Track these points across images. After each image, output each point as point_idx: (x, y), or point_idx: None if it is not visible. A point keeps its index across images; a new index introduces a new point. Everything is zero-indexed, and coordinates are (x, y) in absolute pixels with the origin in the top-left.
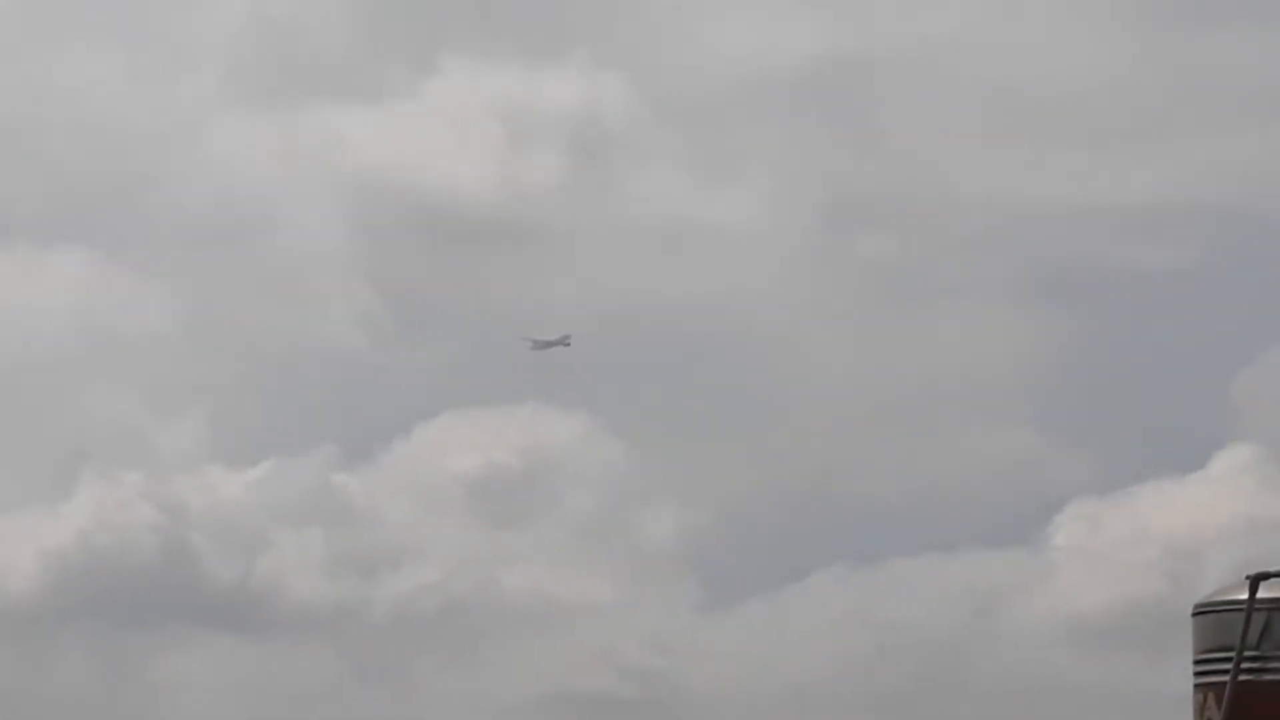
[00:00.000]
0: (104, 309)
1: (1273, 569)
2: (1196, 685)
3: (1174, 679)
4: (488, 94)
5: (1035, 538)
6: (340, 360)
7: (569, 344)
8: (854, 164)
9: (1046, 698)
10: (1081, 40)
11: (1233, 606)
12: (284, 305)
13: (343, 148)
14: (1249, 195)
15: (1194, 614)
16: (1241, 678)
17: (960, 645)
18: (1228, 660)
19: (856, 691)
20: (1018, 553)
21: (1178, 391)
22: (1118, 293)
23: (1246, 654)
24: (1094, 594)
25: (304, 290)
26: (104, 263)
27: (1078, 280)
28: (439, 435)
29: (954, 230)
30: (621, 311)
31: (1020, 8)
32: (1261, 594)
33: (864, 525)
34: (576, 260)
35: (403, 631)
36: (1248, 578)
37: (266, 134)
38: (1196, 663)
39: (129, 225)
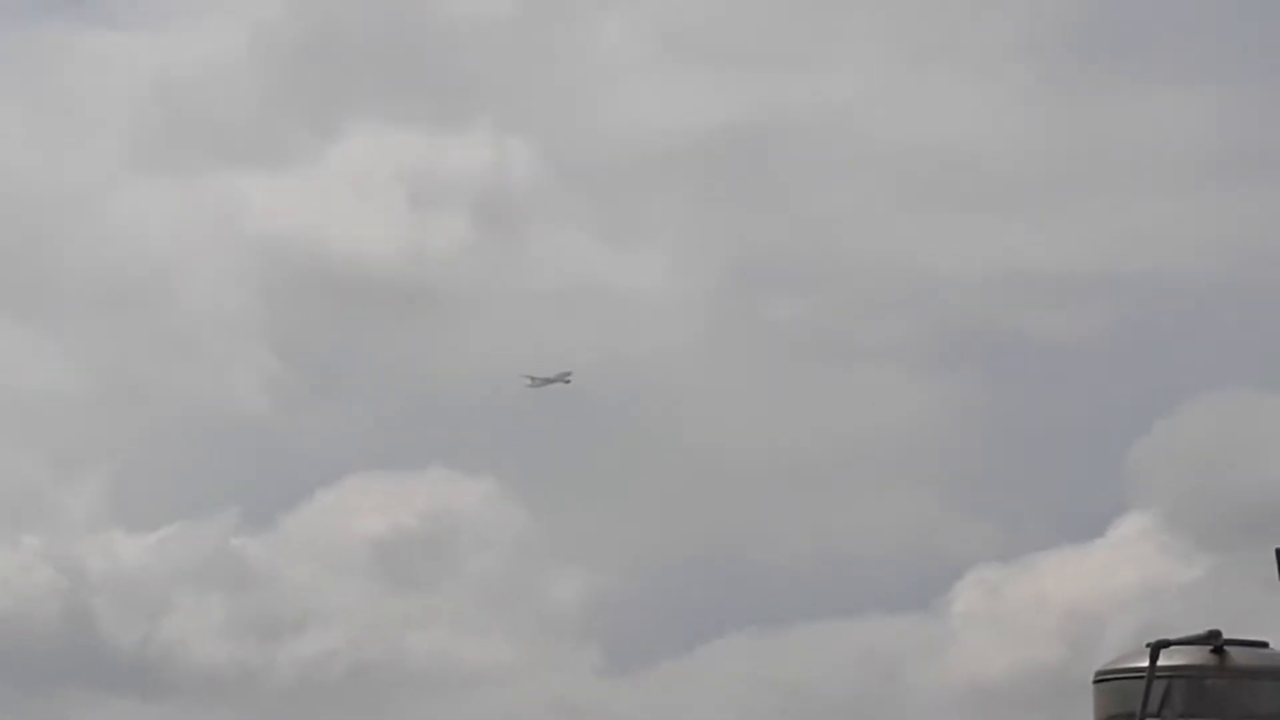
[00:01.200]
0: (5, 370)
1: (1173, 636)
2: None
3: None
4: (393, 158)
5: (937, 603)
6: (244, 423)
7: (569, 380)
8: (761, 228)
9: None
10: (988, 107)
11: (1134, 674)
12: (187, 368)
13: (247, 212)
14: (1151, 264)
15: (1095, 681)
16: None
17: (863, 709)
18: None
19: None
20: (920, 618)
21: (1078, 459)
22: (1022, 359)
23: None
24: (995, 660)
25: (207, 353)
26: (6, 323)
27: (982, 346)
28: (343, 499)
29: (860, 295)
30: (527, 375)
31: (927, 75)
32: (1162, 661)
33: (769, 589)
34: (483, 324)
35: (307, 695)
36: (1148, 645)
37: (170, 197)
38: None
39: (31, 286)
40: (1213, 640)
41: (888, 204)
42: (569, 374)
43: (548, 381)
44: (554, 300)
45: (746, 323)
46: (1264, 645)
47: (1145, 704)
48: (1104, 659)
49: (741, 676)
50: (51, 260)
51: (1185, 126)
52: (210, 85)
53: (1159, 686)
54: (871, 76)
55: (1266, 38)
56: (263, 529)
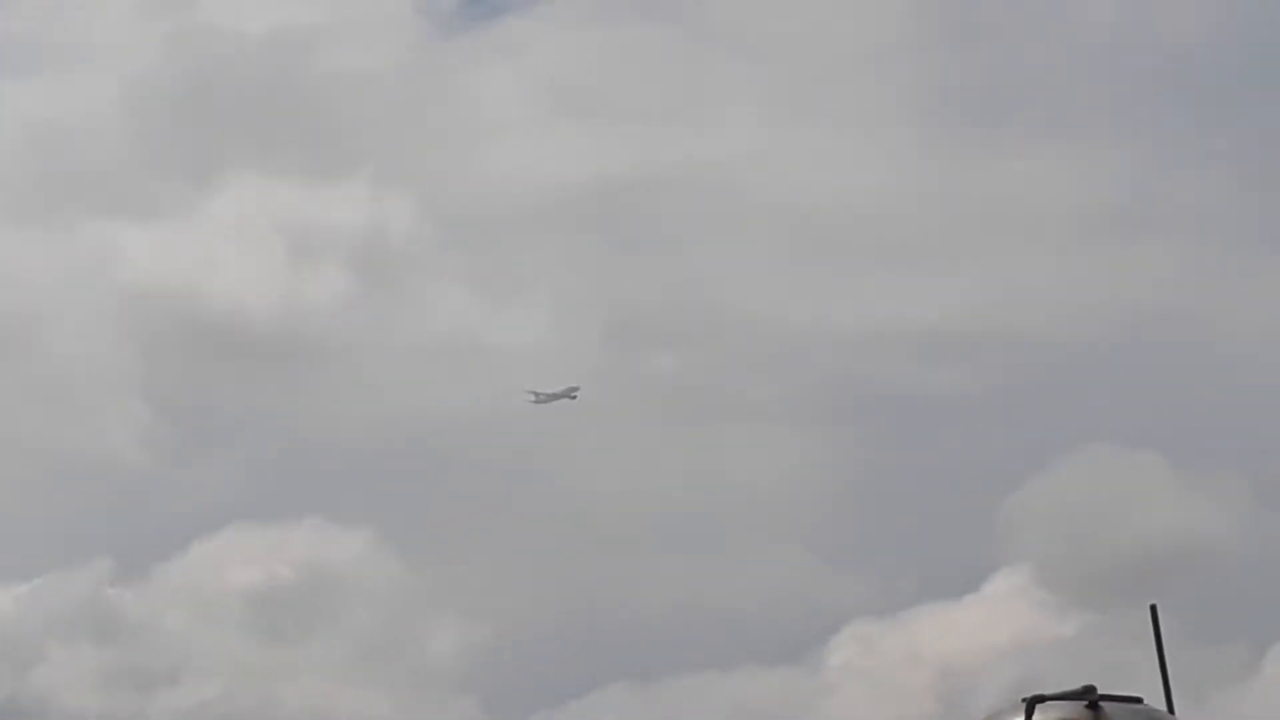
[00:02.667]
0: None
1: (1047, 692)
2: None
3: None
4: (271, 210)
5: (812, 657)
6: (118, 474)
7: (575, 396)
8: (639, 283)
9: None
10: (871, 166)
11: None
12: (61, 419)
13: (122, 262)
14: (1024, 322)
15: None
16: None
17: None
18: None
19: None
20: (795, 672)
21: (952, 515)
22: (897, 416)
23: None
24: (870, 714)
25: (81, 404)
26: None
27: (858, 403)
28: (218, 549)
29: (737, 350)
30: (405, 427)
31: (804, 134)
32: (1037, 717)
33: (645, 642)
34: (360, 376)
35: None
36: (1023, 700)
37: (43, 247)
38: None
39: None
40: (1087, 696)
41: (765, 261)
42: (576, 389)
43: (553, 397)
44: (432, 353)
45: (623, 377)
46: (1138, 701)
47: None
48: (978, 714)
49: None
50: None
51: (1059, 188)
52: (84, 136)
53: None
54: (750, 135)
55: (1139, 102)
56: (136, 580)
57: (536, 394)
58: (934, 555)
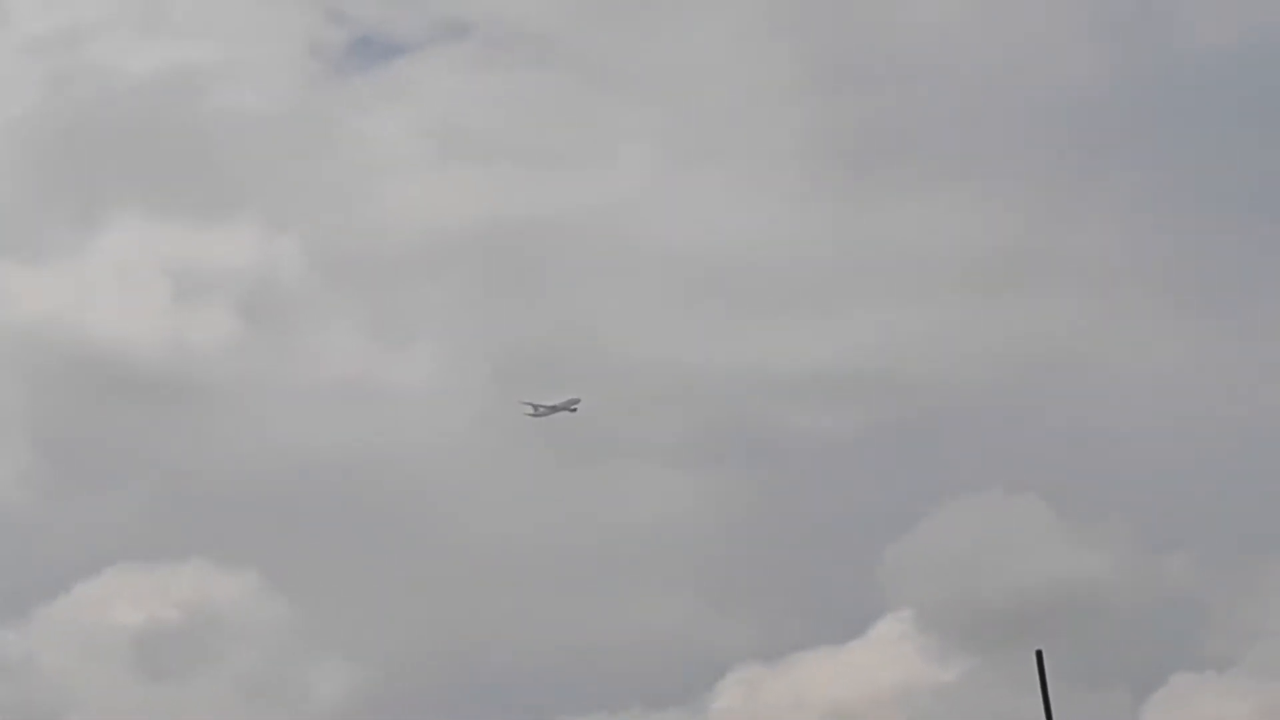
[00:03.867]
0: None
1: None
2: None
3: None
4: (157, 250)
5: (697, 701)
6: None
7: (575, 409)
8: (529, 325)
9: None
10: (763, 210)
11: None
12: None
13: (5, 302)
14: (912, 366)
15: None
16: None
17: None
18: None
19: None
20: (681, 715)
21: (839, 559)
22: (784, 458)
23: None
24: None
25: None
26: None
27: (746, 445)
28: (101, 590)
29: (628, 392)
30: (293, 468)
31: (696, 177)
32: None
33: (531, 685)
34: (247, 417)
35: None
36: None
37: None
38: None
39: None
40: None
41: (656, 303)
42: (577, 400)
43: (553, 409)
44: (320, 395)
45: (513, 419)
46: None
47: None
48: None
49: None
50: None
51: (949, 234)
52: None
53: None
54: (642, 178)
55: (1029, 150)
56: (18, 620)
57: (535, 406)
58: (820, 599)
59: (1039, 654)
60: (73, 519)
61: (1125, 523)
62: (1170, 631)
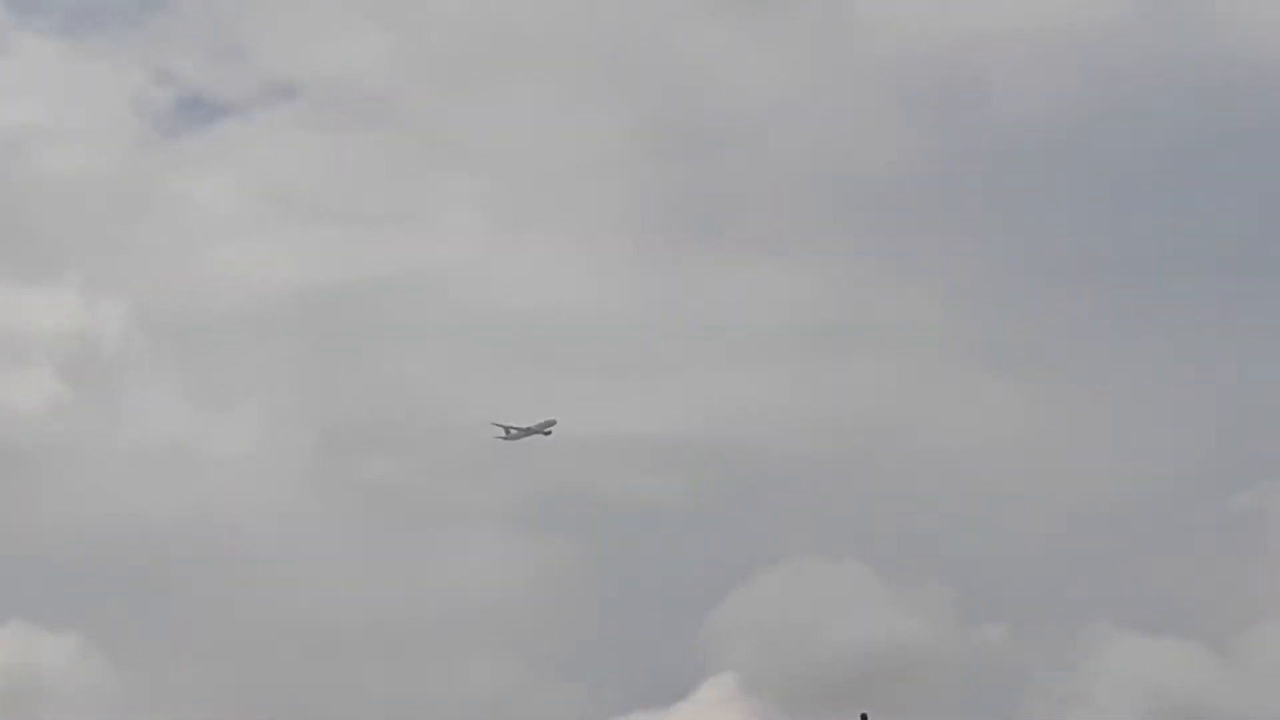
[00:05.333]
0: None
1: None
2: None
3: None
4: None
5: None
6: None
7: (550, 432)
8: (356, 388)
9: None
10: (590, 275)
11: None
12: None
13: None
14: (740, 432)
15: None
16: None
17: None
18: None
19: None
20: None
21: (665, 622)
22: (614, 523)
23: None
24: None
25: None
26: None
27: (574, 510)
28: None
29: (455, 457)
30: (115, 533)
31: (532, 241)
32: None
33: None
34: (69, 482)
35: None
36: None
37: None
38: None
39: None
40: None
41: (483, 368)
42: (552, 423)
43: (527, 432)
44: (143, 458)
45: (338, 484)
46: None
47: None
48: None
49: None
50: None
51: (774, 301)
52: None
53: None
54: (471, 241)
55: (849, 220)
56: None
57: (507, 429)
58: (645, 663)
59: (863, 717)
60: None
61: (946, 590)
62: (988, 697)
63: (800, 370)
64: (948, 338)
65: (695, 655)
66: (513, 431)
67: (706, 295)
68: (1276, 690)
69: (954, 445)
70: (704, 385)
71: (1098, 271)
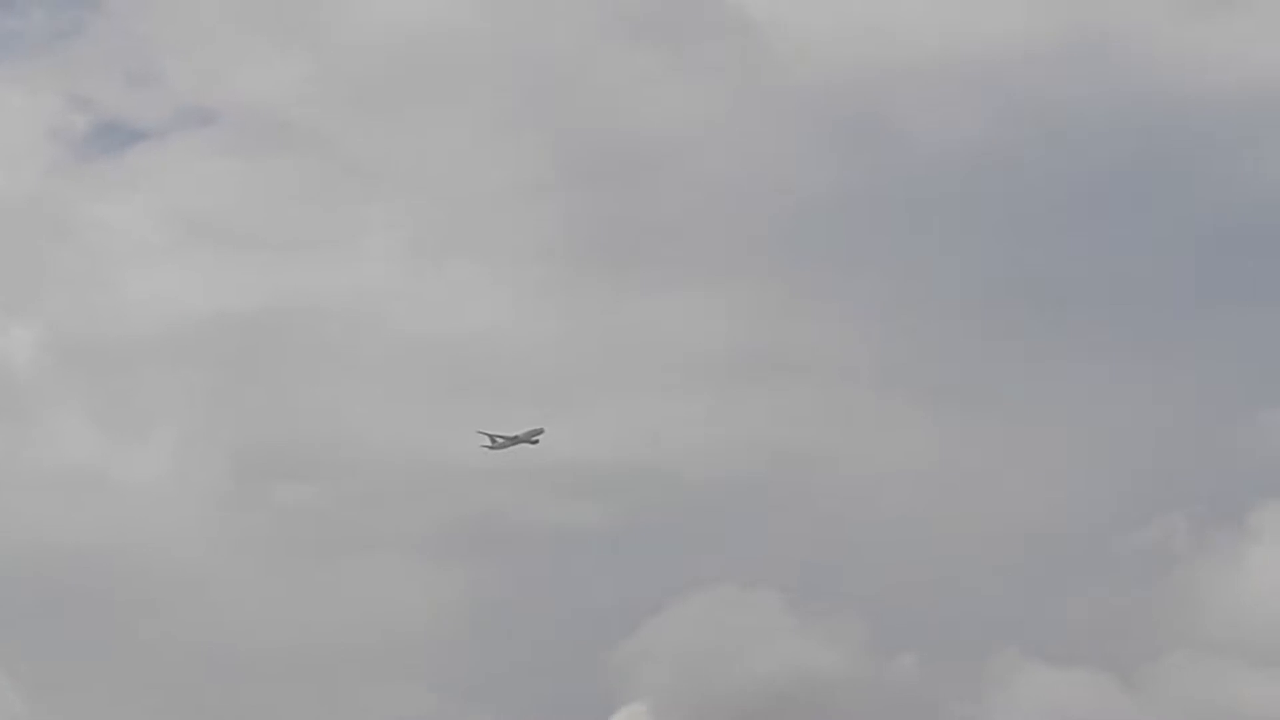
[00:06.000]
0: None
1: None
2: None
3: None
4: None
5: None
6: None
7: (537, 441)
8: (271, 414)
9: None
10: (512, 301)
11: None
12: None
13: None
14: (658, 459)
15: None
16: None
17: None
18: None
19: None
20: None
21: (578, 649)
22: (530, 550)
23: None
24: None
25: None
26: None
27: (493, 537)
28: None
29: (371, 483)
30: (25, 561)
31: (451, 268)
32: None
33: None
34: None
35: None
36: None
37: None
38: None
39: None
40: None
41: (401, 394)
42: (539, 431)
43: (514, 441)
44: (53, 485)
45: (252, 510)
46: None
47: None
48: None
49: None
50: None
51: (699, 327)
52: None
53: None
54: (389, 268)
55: (777, 246)
56: None
57: (494, 438)
58: (557, 690)
59: None
60: None
61: (858, 619)
62: None
63: (718, 398)
64: (865, 366)
65: (607, 683)
66: (499, 440)
67: (626, 322)
68: None
69: (869, 474)
70: (621, 413)
71: (1012, 302)
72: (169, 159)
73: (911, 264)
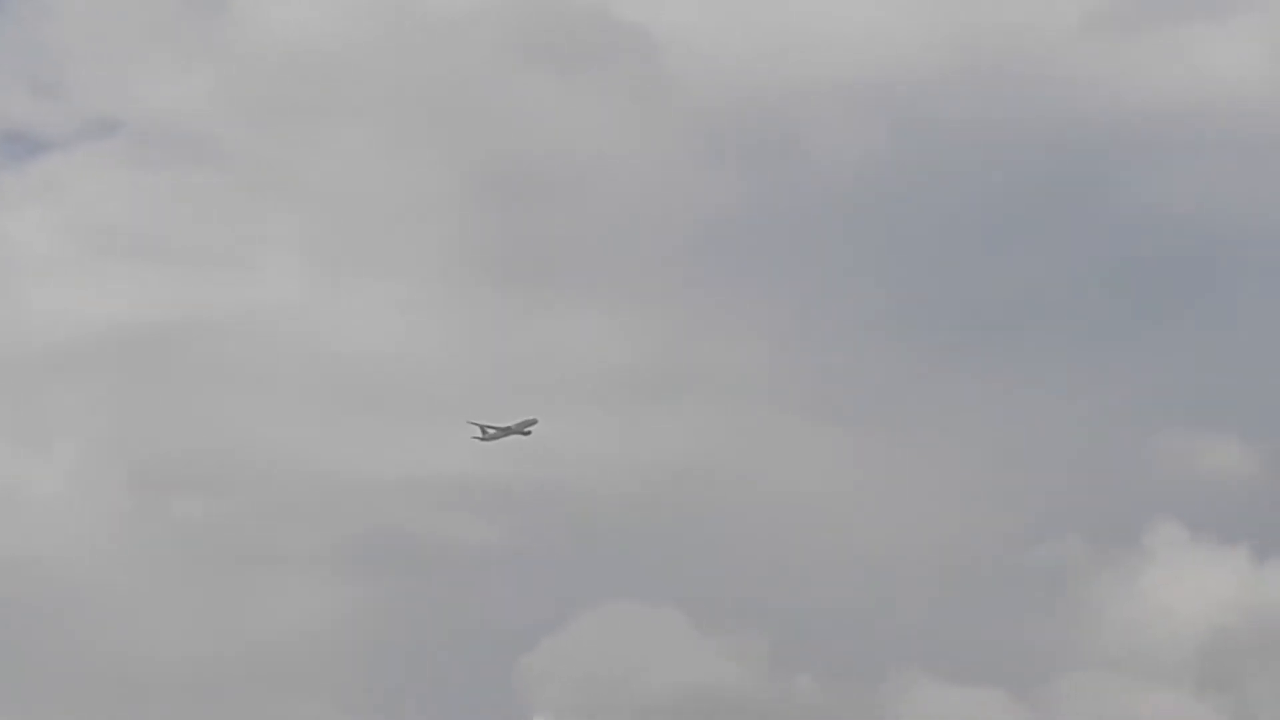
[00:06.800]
0: None
1: None
2: None
3: None
4: None
5: None
6: None
7: (530, 432)
8: (174, 428)
9: None
10: (415, 318)
11: None
12: None
13: None
14: (563, 476)
15: None
16: None
17: None
18: None
19: None
20: None
21: (482, 665)
22: (432, 566)
23: None
24: None
25: None
26: None
27: (394, 553)
28: None
29: (272, 498)
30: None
31: (356, 284)
32: None
33: None
34: None
35: None
36: None
37: None
38: None
39: None
40: None
41: (303, 408)
42: (533, 422)
43: (506, 432)
44: None
45: (151, 524)
46: None
47: None
48: None
49: None
50: None
51: (599, 346)
52: None
53: None
54: (294, 283)
55: (680, 267)
56: None
57: (484, 429)
58: (459, 706)
59: None
60: None
61: (760, 637)
62: None
63: (624, 417)
64: (768, 386)
65: (509, 699)
66: (490, 431)
67: (531, 341)
68: None
69: (772, 493)
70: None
71: (915, 322)
72: (73, 170)
73: (815, 284)
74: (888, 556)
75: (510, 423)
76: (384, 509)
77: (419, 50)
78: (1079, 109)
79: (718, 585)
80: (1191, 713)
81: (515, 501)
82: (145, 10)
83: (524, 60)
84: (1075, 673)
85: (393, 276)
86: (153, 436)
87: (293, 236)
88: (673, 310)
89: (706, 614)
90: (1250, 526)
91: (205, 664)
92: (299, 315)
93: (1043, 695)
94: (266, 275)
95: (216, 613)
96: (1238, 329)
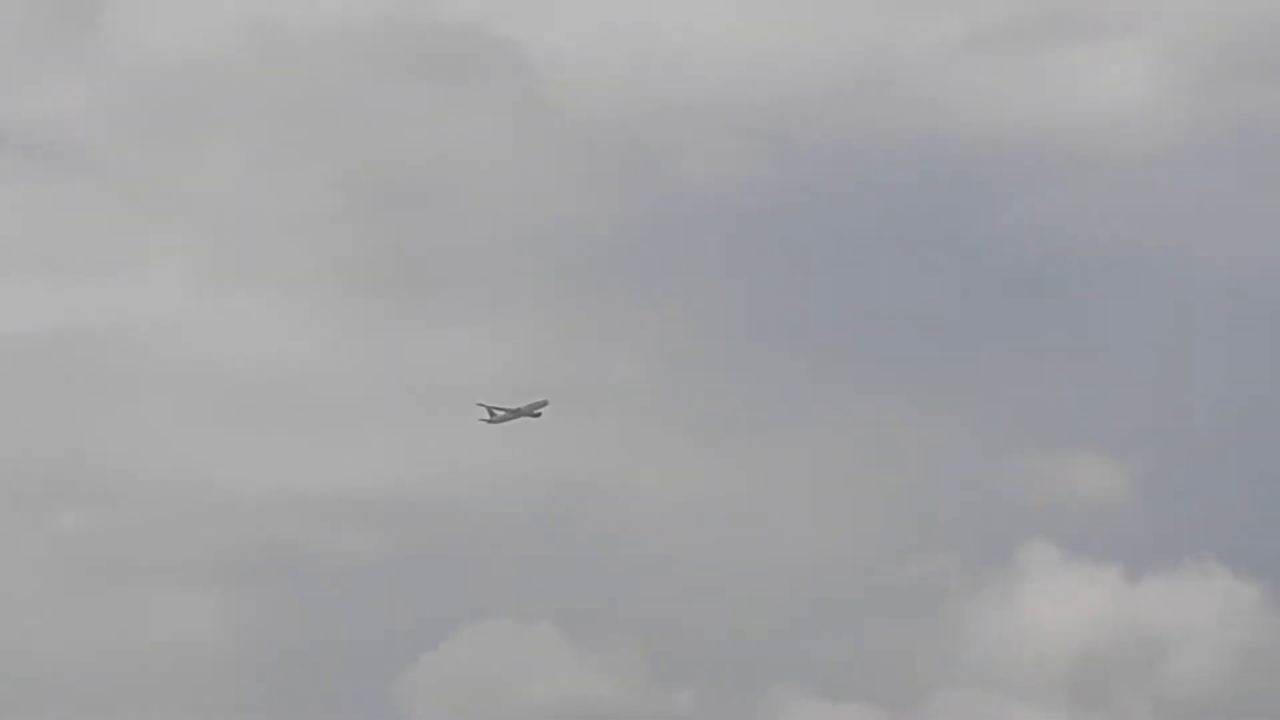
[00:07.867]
0: None
1: None
2: None
3: None
4: None
5: None
6: None
7: (539, 414)
8: (50, 439)
9: None
10: (292, 330)
11: None
12: None
13: None
14: (437, 491)
15: None
16: None
17: None
18: None
19: None
20: None
21: (356, 680)
22: (308, 580)
23: None
24: None
25: None
26: None
27: (269, 565)
28: None
29: (144, 511)
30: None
31: (232, 296)
32: None
33: None
34: None
35: None
36: None
37: None
38: None
39: None
40: None
41: (179, 421)
42: (544, 403)
43: (515, 414)
44: None
45: (29, 535)
46: None
47: None
48: None
49: None
50: None
51: (478, 361)
52: None
53: None
54: (171, 294)
55: (560, 283)
56: None
57: (493, 410)
58: None
59: None
60: None
61: (636, 652)
62: None
63: (502, 430)
64: (648, 401)
65: (386, 714)
66: (498, 413)
67: (409, 353)
68: None
69: (649, 507)
70: (405, 443)
71: (792, 339)
72: None
73: (691, 300)
74: (764, 572)
75: (520, 405)
76: (263, 522)
77: (295, 64)
78: (953, 129)
79: (594, 600)
80: None
81: (392, 516)
82: (16, 24)
83: (400, 75)
84: (949, 689)
85: (270, 288)
86: (32, 448)
87: (173, 247)
88: (549, 323)
89: (584, 628)
90: (1121, 546)
91: (82, 673)
92: (180, 326)
93: (917, 711)
94: (147, 286)
95: (93, 623)
96: (1110, 349)
